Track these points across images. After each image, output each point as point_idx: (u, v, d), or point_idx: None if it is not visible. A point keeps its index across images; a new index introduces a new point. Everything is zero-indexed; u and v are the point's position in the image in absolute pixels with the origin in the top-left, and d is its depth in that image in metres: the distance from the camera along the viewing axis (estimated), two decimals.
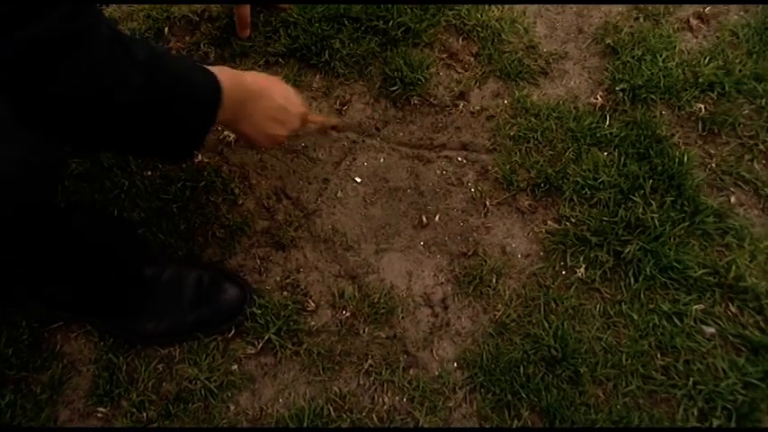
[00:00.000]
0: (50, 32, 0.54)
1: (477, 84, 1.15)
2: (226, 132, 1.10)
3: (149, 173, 1.06)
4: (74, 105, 0.60)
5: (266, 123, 0.85)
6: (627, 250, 0.99)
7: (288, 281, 1.00)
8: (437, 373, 0.93)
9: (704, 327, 0.95)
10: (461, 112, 1.13)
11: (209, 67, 0.76)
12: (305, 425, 0.89)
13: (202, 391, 0.92)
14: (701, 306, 0.95)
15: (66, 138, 0.64)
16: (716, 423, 0.88)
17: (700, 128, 1.10)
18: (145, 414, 0.90)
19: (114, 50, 0.61)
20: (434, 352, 0.95)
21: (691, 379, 0.91)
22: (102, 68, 0.60)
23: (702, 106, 1.10)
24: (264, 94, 0.83)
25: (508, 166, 1.07)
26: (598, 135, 1.08)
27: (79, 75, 0.58)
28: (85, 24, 0.58)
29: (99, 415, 0.90)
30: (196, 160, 1.08)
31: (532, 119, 1.11)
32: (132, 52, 0.63)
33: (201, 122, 0.75)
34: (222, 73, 0.76)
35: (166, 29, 1.21)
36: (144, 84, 0.64)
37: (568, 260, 1.00)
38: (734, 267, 0.97)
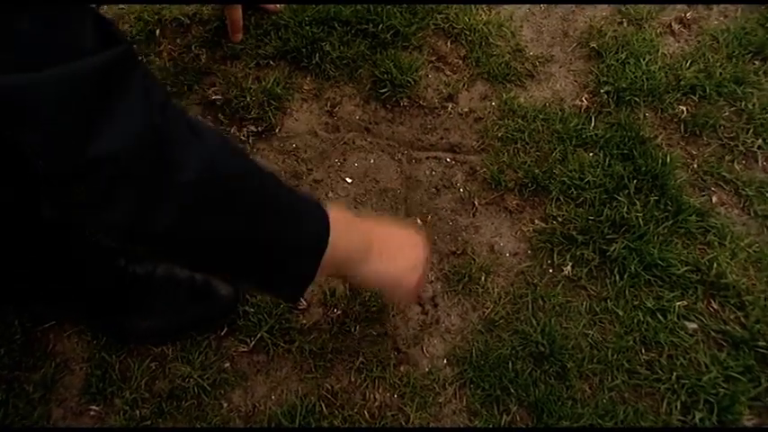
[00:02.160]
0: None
1: (466, 86, 1.17)
2: None
3: None
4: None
5: (403, 261, 0.69)
6: (612, 248, 1.01)
7: None
8: (427, 370, 0.94)
9: (687, 323, 0.96)
10: (450, 113, 1.14)
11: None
12: (297, 422, 0.89)
13: (195, 389, 0.91)
14: (684, 302, 0.97)
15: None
16: (698, 416, 0.90)
17: (682, 129, 1.12)
18: (138, 412, 0.90)
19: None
20: (424, 349, 0.96)
21: (674, 373, 0.93)
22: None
23: (684, 108, 1.13)
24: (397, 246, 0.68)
25: (496, 167, 1.08)
26: (584, 136, 1.10)
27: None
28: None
29: (92, 413, 0.90)
30: None
31: (519, 120, 1.12)
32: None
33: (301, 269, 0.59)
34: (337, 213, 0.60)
35: (158, 31, 1.21)
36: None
37: (555, 258, 1.02)
38: (715, 265, 0.99)
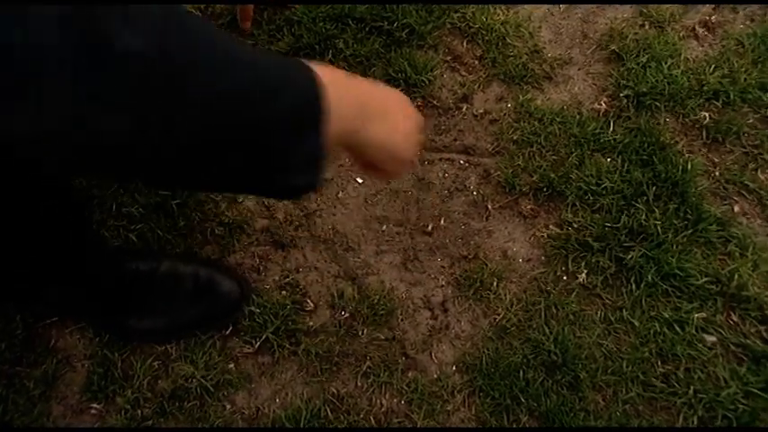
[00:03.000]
0: None
1: (481, 87, 1.15)
2: None
3: None
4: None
5: (402, 122, 0.57)
6: (629, 257, 0.98)
7: (287, 280, 0.99)
8: (436, 376, 0.92)
9: (705, 335, 0.94)
10: (464, 114, 1.12)
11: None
12: (301, 425, 0.88)
13: (198, 390, 0.90)
14: (703, 314, 0.95)
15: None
16: None
17: (704, 136, 1.09)
18: (139, 411, 0.89)
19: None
20: (433, 355, 0.94)
21: (691, 387, 0.90)
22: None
23: (707, 114, 1.10)
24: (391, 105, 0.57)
25: (511, 170, 1.06)
26: (601, 141, 1.08)
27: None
28: None
29: (93, 411, 0.89)
30: None
31: (536, 123, 1.10)
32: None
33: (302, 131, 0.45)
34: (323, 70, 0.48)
35: None
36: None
37: (570, 265, 0.99)
38: (736, 276, 0.96)
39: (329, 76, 0.47)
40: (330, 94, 0.46)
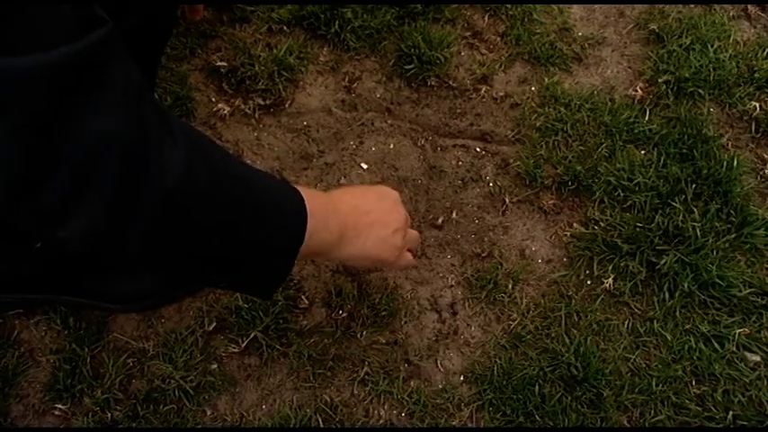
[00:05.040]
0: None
1: (503, 67, 1.08)
2: (220, 105, 1.01)
3: None
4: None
5: (376, 233, 0.65)
6: (662, 262, 0.91)
7: None
8: (441, 387, 0.87)
9: (748, 354, 0.88)
10: (483, 97, 1.06)
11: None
12: None
13: (176, 392, 0.84)
14: (746, 330, 0.88)
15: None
16: None
17: (752, 129, 1.03)
18: (109, 414, 0.82)
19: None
20: (439, 362, 0.88)
21: (730, 412, 0.83)
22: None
23: (757, 105, 1.04)
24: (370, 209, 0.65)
25: (532, 161, 1.00)
26: (636, 131, 1.01)
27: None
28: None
29: (57, 412, 0.82)
30: None
31: (562, 109, 1.04)
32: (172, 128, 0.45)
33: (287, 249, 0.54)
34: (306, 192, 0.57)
35: None
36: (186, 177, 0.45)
37: (595, 269, 0.93)
38: None
39: (312, 205, 0.54)
40: (311, 226, 0.54)
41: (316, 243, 0.56)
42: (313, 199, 0.55)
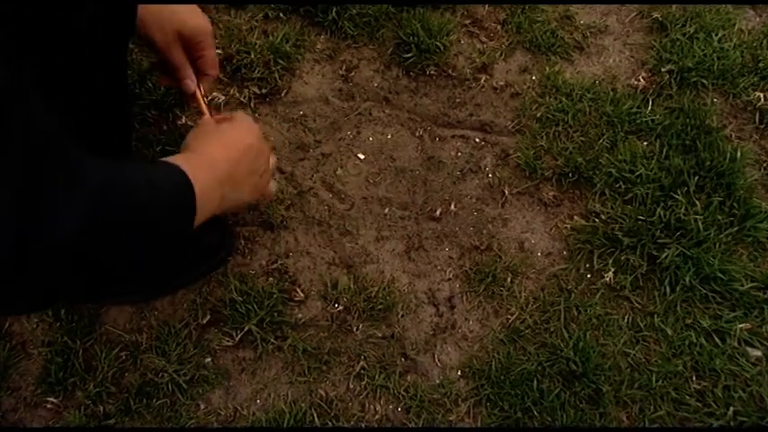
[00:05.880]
0: None
1: (503, 56, 1.05)
2: (214, 93, 0.98)
3: None
4: None
5: (249, 182, 0.70)
6: (664, 255, 0.89)
7: (275, 266, 0.90)
8: (438, 382, 0.85)
9: (749, 349, 0.86)
10: (483, 86, 1.03)
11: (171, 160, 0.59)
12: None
13: (169, 386, 0.83)
14: (747, 325, 0.86)
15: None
16: None
17: (756, 120, 1.01)
18: (101, 408, 0.81)
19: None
20: (436, 357, 0.87)
21: (731, 408, 0.82)
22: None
23: (761, 95, 1.01)
24: (233, 157, 0.68)
25: (532, 152, 0.97)
26: (638, 122, 0.99)
27: None
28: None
29: (49, 405, 0.81)
30: (179, 122, 0.96)
31: (563, 99, 1.01)
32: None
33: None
34: (187, 163, 0.59)
35: None
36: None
37: (595, 262, 0.91)
38: None
39: (200, 191, 0.58)
40: (199, 210, 0.58)
41: (201, 218, 0.60)
42: (197, 176, 0.57)
